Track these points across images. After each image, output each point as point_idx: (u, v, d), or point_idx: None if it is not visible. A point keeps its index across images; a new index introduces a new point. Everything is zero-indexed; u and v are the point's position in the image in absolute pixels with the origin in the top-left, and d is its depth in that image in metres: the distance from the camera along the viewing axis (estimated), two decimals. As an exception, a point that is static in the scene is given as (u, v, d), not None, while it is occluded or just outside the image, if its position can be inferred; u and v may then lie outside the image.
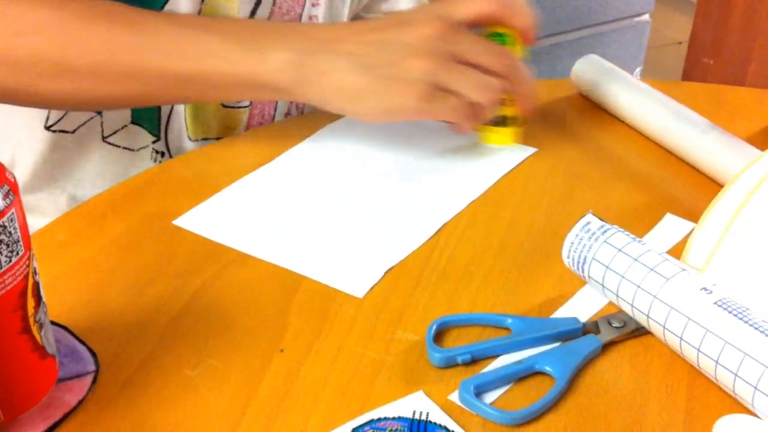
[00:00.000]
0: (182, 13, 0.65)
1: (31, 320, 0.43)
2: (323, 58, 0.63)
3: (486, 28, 0.68)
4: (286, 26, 0.71)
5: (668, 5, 3.42)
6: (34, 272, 0.43)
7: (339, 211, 0.63)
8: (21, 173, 0.78)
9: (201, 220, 0.62)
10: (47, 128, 0.76)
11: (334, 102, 0.64)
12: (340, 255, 0.59)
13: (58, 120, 0.76)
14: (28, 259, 0.42)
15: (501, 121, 0.70)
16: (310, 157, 0.70)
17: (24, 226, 0.42)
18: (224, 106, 0.84)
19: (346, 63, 0.62)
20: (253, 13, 0.81)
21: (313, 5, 0.86)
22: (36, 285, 0.43)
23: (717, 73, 2.29)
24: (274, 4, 0.82)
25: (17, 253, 0.41)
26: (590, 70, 0.79)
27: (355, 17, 0.97)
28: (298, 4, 0.84)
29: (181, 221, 0.61)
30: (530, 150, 0.72)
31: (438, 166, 0.69)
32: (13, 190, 0.41)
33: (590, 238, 0.52)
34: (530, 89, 0.68)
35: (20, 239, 0.41)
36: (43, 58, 0.62)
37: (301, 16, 0.85)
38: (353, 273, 0.57)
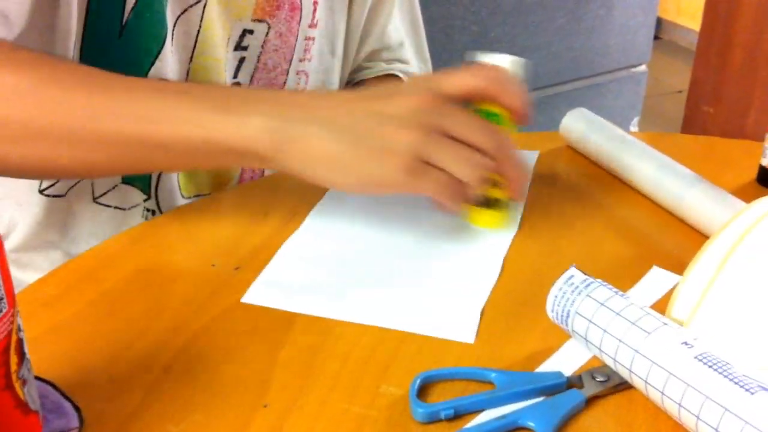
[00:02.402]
0: (158, 79, 0.64)
1: (14, 377, 0.43)
2: (304, 125, 0.60)
3: (479, 106, 0.65)
4: (266, 92, 0.70)
5: (668, 54, 3.45)
6: (19, 329, 0.44)
7: (391, 268, 0.64)
8: (18, 234, 0.78)
9: (268, 293, 0.61)
10: (41, 192, 0.77)
11: (315, 171, 0.61)
12: (430, 306, 0.59)
13: (52, 185, 0.77)
14: (12, 316, 0.43)
15: (489, 203, 0.67)
16: (326, 225, 0.70)
17: (8, 283, 0.42)
18: None
19: (328, 131, 0.60)
20: (238, 69, 0.83)
21: (301, 60, 0.87)
22: (19, 342, 0.44)
23: (717, 121, 2.30)
24: (258, 60, 0.83)
25: (1, 311, 0.41)
26: (578, 123, 0.80)
27: (357, 69, 0.99)
28: (284, 60, 0.85)
29: (248, 298, 0.60)
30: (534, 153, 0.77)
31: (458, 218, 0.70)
32: (-3, 247, 0.41)
33: (573, 291, 0.53)
34: (520, 172, 0.65)
35: (4, 296, 0.42)
36: (16, 123, 0.60)
37: (288, 72, 0.86)
38: (454, 320, 0.57)
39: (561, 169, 0.80)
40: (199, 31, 0.77)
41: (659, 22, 3.33)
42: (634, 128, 2.26)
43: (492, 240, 0.67)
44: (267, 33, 0.82)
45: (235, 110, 0.60)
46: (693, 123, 2.37)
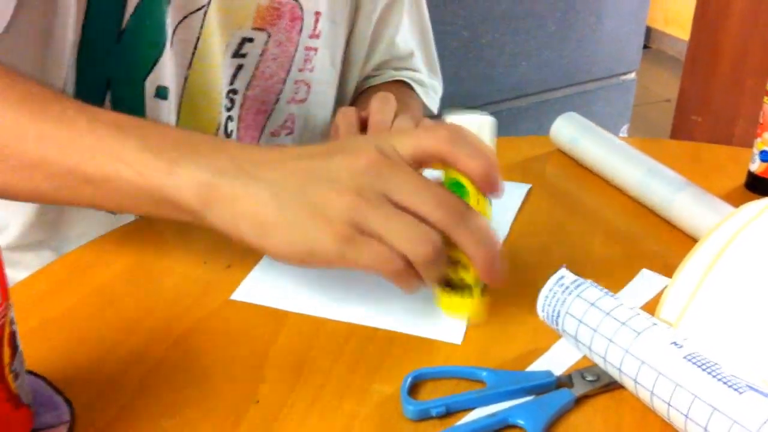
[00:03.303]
0: (107, 110, 0.59)
1: (6, 369, 0.43)
2: (236, 181, 0.53)
3: (445, 175, 0.57)
4: (212, 141, 0.61)
5: (657, 64, 3.48)
6: (11, 322, 0.44)
7: None
8: (8, 235, 0.78)
9: (257, 291, 0.61)
10: None
11: (244, 232, 0.54)
12: (418, 306, 0.59)
13: None
14: (5, 308, 0.43)
15: (454, 286, 0.56)
16: None
17: (1, 276, 0.42)
18: None
19: (261, 191, 0.53)
20: (234, 76, 0.83)
21: (300, 70, 0.87)
22: (12, 334, 0.44)
23: (705, 130, 2.32)
24: (256, 68, 0.84)
25: (-6, 303, 0.41)
26: (569, 127, 0.81)
27: (366, 78, 0.99)
28: (282, 69, 0.86)
29: (237, 295, 0.61)
30: (526, 186, 0.75)
31: None
32: (-9, 240, 0.41)
33: (564, 292, 0.53)
34: (485, 251, 0.53)
35: (-2, 289, 0.42)
36: None
37: (285, 81, 0.86)
38: (442, 321, 0.58)
39: (551, 172, 0.80)
40: (198, 38, 0.77)
41: (648, 31, 3.35)
42: (623, 135, 2.28)
43: None
44: (266, 42, 0.83)
45: (171, 155, 0.55)
46: (681, 132, 2.39)
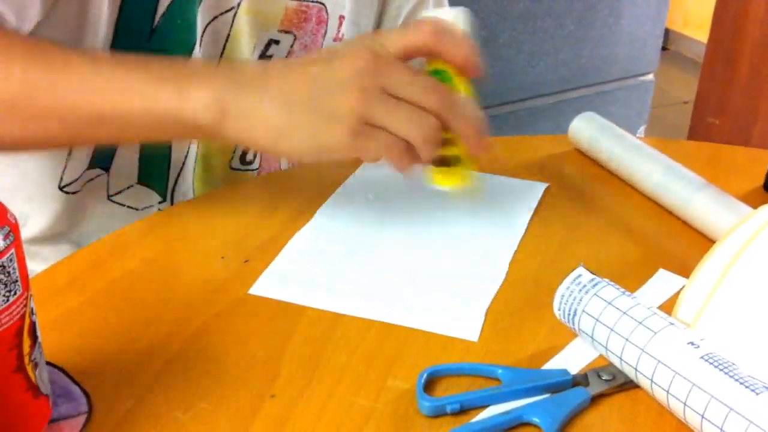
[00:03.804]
0: (105, 52, 0.62)
1: (26, 359, 0.44)
2: (247, 94, 0.59)
3: (428, 64, 0.63)
4: (213, 65, 0.68)
5: (675, 65, 3.46)
6: (31, 312, 0.44)
7: (399, 265, 0.65)
8: (30, 228, 0.79)
9: (275, 285, 0.62)
10: (61, 189, 0.77)
11: (260, 140, 0.60)
12: (436, 304, 0.60)
13: (73, 181, 0.77)
14: (26, 299, 0.43)
15: (447, 162, 0.64)
16: (333, 223, 0.71)
17: (23, 267, 0.43)
18: (232, 168, 0.86)
19: (271, 99, 0.58)
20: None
21: None
22: (32, 325, 0.44)
23: (723, 132, 2.31)
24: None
25: (15, 293, 0.42)
26: (588, 127, 0.81)
27: None
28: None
29: (255, 290, 0.61)
30: (542, 185, 0.75)
31: (467, 216, 0.71)
32: (13, 231, 0.42)
33: (581, 290, 0.53)
34: (473, 127, 0.61)
35: (18, 279, 0.42)
36: None
37: None
38: (459, 318, 0.58)
39: (569, 171, 0.80)
40: (227, 39, 0.78)
41: (667, 33, 3.33)
42: (640, 136, 2.26)
43: (501, 239, 0.68)
44: (292, 44, 0.83)
45: (180, 82, 0.59)
46: (699, 134, 2.38)
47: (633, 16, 2.08)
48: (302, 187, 0.74)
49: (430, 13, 0.64)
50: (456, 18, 0.64)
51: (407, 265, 0.65)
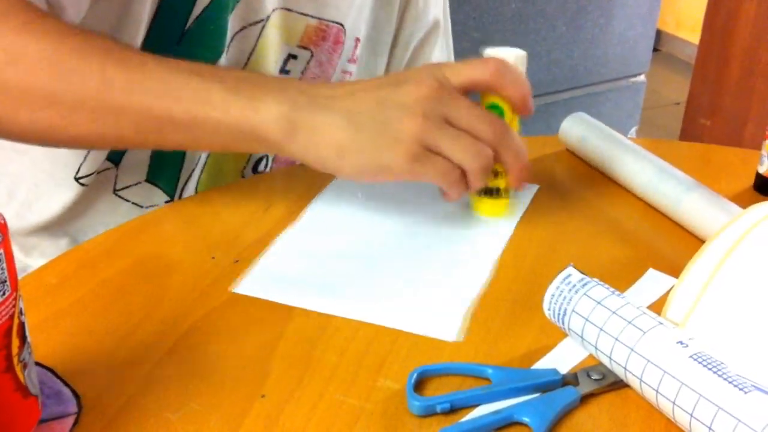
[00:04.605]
0: (178, 59, 0.64)
1: (15, 360, 0.44)
2: (316, 112, 0.61)
3: (483, 99, 0.67)
4: (282, 80, 0.71)
5: (666, 67, 3.47)
6: (20, 312, 0.44)
7: (384, 265, 0.65)
8: (35, 216, 0.78)
9: (260, 285, 0.62)
10: (77, 180, 0.77)
11: (322, 158, 0.62)
12: (416, 304, 0.60)
13: (89, 173, 0.77)
14: (15, 299, 0.43)
15: (493, 192, 0.69)
16: (325, 218, 0.71)
17: (11, 267, 0.43)
18: (243, 176, 0.86)
19: (338, 119, 0.61)
20: None
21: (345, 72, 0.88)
22: (21, 325, 0.44)
23: (714, 133, 2.32)
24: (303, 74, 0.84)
25: (3, 293, 0.42)
26: (578, 127, 0.81)
27: None
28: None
29: (240, 289, 0.61)
30: (534, 187, 0.76)
31: (455, 217, 0.71)
32: (1, 230, 0.42)
33: (570, 290, 0.53)
34: (520, 162, 0.65)
35: (7, 279, 0.42)
36: (33, 88, 0.60)
37: None
38: (439, 319, 0.58)
39: (559, 172, 0.80)
40: (253, 50, 0.79)
41: (658, 35, 3.34)
42: (632, 137, 2.27)
43: (487, 240, 0.68)
44: (309, 60, 0.84)
45: (253, 94, 0.61)
46: (690, 135, 2.38)
47: (625, 18, 2.09)
48: (294, 187, 0.75)
49: (493, 51, 0.68)
50: (516, 59, 0.68)
51: (393, 265, 0.65)
